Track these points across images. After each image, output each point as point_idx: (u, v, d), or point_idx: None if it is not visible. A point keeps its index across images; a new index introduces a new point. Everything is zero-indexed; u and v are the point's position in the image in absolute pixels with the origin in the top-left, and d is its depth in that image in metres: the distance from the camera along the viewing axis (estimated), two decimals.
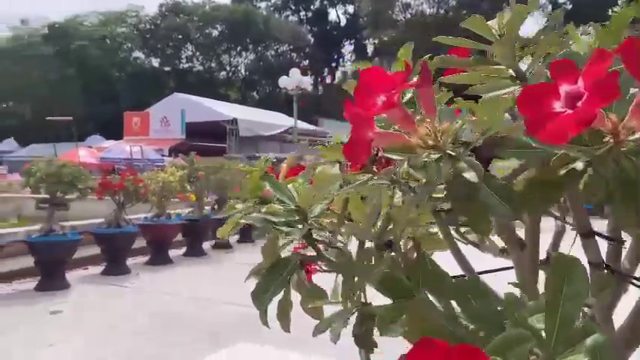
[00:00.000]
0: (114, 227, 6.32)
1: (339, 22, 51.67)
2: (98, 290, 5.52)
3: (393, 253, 0.62)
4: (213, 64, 44.27)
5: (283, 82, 16.42)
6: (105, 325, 4.32)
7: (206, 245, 8.15)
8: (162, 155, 18.58)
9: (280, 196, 0.68)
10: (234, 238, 9.08)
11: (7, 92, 44.87)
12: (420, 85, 0.49)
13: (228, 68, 45.35)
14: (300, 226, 0.65)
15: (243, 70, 46.79)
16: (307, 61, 47.66)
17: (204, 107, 21.02)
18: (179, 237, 7.73)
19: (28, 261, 5.75)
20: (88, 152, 17.34)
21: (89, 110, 37.86)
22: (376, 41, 47.36)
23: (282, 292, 0.71)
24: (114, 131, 33.67)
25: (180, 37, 41.50)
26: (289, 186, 0.70)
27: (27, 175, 5.37)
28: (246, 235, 9.34)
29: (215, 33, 42.77)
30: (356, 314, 0.54)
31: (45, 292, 5.34)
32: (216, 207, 8.63)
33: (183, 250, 7.91)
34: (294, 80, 16.02)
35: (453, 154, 0.45)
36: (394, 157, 0.50)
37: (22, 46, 42.85)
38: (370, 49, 52.25)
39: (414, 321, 0.45)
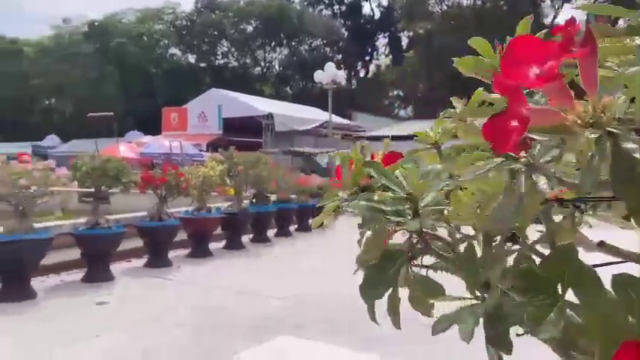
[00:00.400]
0: (156, 221, 6.41)
1: (373, 15, 51.18)
2: (142, 282, 5.61)
3: (518, 246, 0.56)
4: (247, 60, 44.59)
5: (318, 76, 16.37)
6: (149, 317, 4.38)
7: (244, 239, 8.21)
8: (200, 150, 18.85)
9: (387, 183, 0.63)
10: (271, 232, 9.13)
11: (49, 89, 46.38)
12: (586, 55, 0.42)
13: (262, 64, 45.61)
14: (409, 216, 0.60)
15: (277, 66, 46.95)
16: (340, 55, 47.48)
17: (240, 102, 21.20)
18: (218, 230, 7.80)
19: (75, 253, 5.89)
20: (128, 147, 17.72)
21: (127, 106, 38.70)
22: (411, 34, 46.71)
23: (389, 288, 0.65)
24: (151, 127, 34.32)
25: (215, 33, 41.93)
26: (397, 172, 0.65)
27: (74, 169, 5.49)
28: (284, 228, 9.40)
29: (249, 29, 43.05)
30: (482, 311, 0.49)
31: (91, 283, 5.46)
32: (254, 201, 8.67)
33: (223, 243, 7.99)
34: (329, 74, 15.96)
35: (618, 132, 0.40)
36: (541, 137, 0.44)
37: (64, 45, 44.19)
38: (405, 41, 51.67)
39: (594, 321, 0.39)
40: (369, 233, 0.69)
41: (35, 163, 4.76)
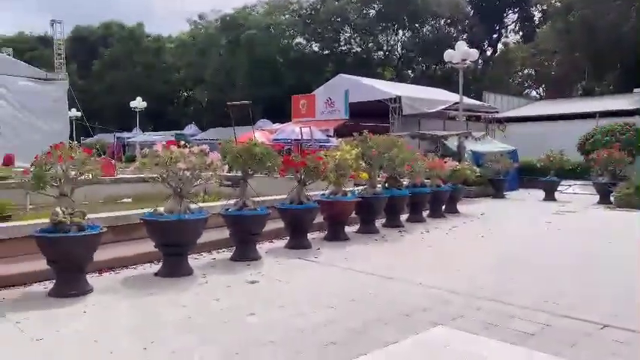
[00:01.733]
0: (297, 203, 6.56)
1: None
2: (287, 263, 5.76)
3: None
4: (370, 44, 44.35)
5: (448, 55, 15.67)
6: (299, 297, 4.46)
7: (377, 223, 8.13)
8: (328, 136, 19.15)
9: None
10: (404, 217, 8.96)
11: (187, 81, 50.24)
12: None
13: (385, 48, 45.10)
14: None
15: (399, 49, 46.16)
16: (466, 34, 45.32)
17: (366, 87, 21.10)
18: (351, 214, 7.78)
19: (223, 233, 6.22)
20: (261, 134, 18.51)
21: (256, 95, 40.50)
22: (545, 7, 43.18)
23: None
24: (277, 114, 35.70)
25: (338, 20, 42.21)
26: None
27: (223, 152, 5.76)
28: (417, 213, 9.17)
29: (372, 13, 42.70)
30: None
31: (240, 262, 5.73)
32: (386, 185, 8.54)
33: (356, 227, 8.00)
34: (461, 52, 15.21)
35: None
36: None
37: (200, 39, 47.44)
38: (538, 16, 47.94)
39: None
40: None
41: (191, 148, 5.06)
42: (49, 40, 42.34)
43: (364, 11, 42.58)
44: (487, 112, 21.69)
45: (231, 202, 6.06)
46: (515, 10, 48.49)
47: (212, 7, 59.31)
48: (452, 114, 19.45)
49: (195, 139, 32.85)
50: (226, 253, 6.17)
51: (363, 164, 7.29)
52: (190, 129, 41.66)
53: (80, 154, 4.48)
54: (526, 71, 48.96)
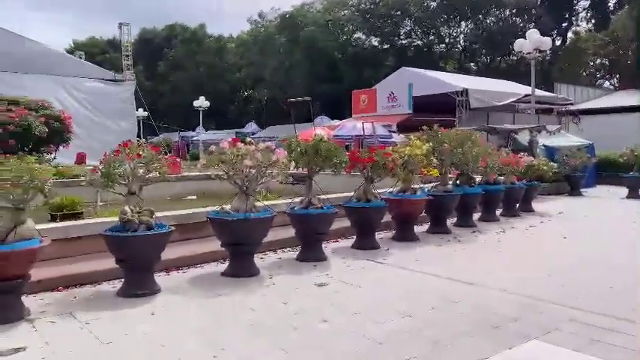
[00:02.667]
0: (364, 201, 6.27)
1: None
2: (355, 264, 5.49)
3: None
4: (431, 37, 43.30)
5: (519, 45, 14.81)
6: (370, 302, 4.18)
7: (447, 222, 7.71)
8: (390, 131, 18.69)
9: None
10: (476, 216, 8.48)
11: (248, 80, 50.97)
12: None
13: (447, 40, 43.88)
14: None
15: (462, 41, 44.77)
16: (532, 24, 43.28)
17: (431, 80, 20.42)
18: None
19: (288, 232, 6.03)
20: (322, 130, 18.30)
21: (314, 92, 40.51)
22: None
23: None
24: (336, 111, 35.51)
25: (399, 13, 41.46)
26: None
27: (288, 149, 5.56)
28: (490, 212, 8.66)
29: (433, 5, 41.63)
30: None
31: (306, 262, 5.51)
32: (457, 182, 8.08)
33: (425, 226, 7.61)
34: (533, 42, 14.32)
35: None
36: None
37: (260, 38, 47.99)
38: (612, 1, 45.13)
39: None
40: None
41: (257, 145, 4.89)
42: (117, 43, 44.28)
43: (425, 4, 41.57)
44: (561, 105, 20.46)
45: (297, 199, 5.86)
46: None
47: (271, 5, 59.62)
48: (521, 107, 18.47)
49: (256, 137, 33.23)
50: (291, 253, 5.99)
51: (435, 160, 6.89)
52: (251, 127, 42.24)
53: (148, 152, 4.40)
54: (598, 61, 46.18)
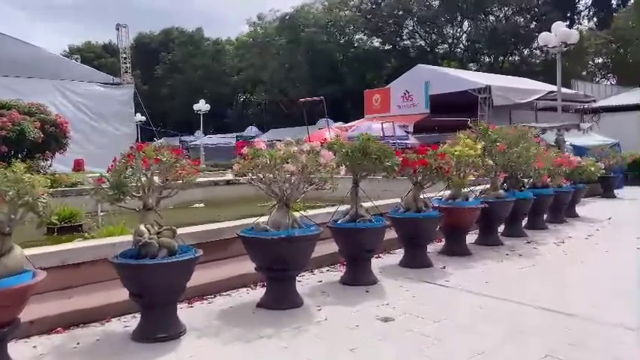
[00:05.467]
0: (414, 211, 5.35)
1: None
2: (414, 289, 4.55)
3: None
4: (434, 37, 42.47)
5: (544, 39, 13.91)
6: (461, 344, 3.27)
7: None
8: (407, 132, 17.75)
9: None
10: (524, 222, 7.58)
11: (247, 83, 50.02)
12: None
13: (450, 40, 43.06)
14: None
15: (464, 41, 43.96)
16: (534, 23, 42.53)
17: (450, 77, 19.41)
18: None
19: (326, 247, 5.12)
20: (335, 132, 17.37)
21: (315, 94, 39.64)
22: None
23: None
24: (338, 113, 34.58)
25: (401, 13, 40.62)
26: None
27: (330, 150, 4.64)
28: (538, 220, 7.77)
29: (436, 4, 40.81)
30: None
31: (354, 286, 4.59)
32: (506, 186, 7.17)
33: (473, 237, 6.70)
34: (560, 35, 13.44)
35: None
36: None
37: (259, 40, 47.07)
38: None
39: None
40: None
41: (301, 144, 3.98)
42: (113, 48, 43.24)
43: (427, 2, 40.75)
44: (583, 102, 19.58)
45: (342, 208, 4.93)
46: None
47: (270, 7, 58.59)
48: (540, 104, 17.57)
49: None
50: (333, 274, 5.07)
51: (491, 162, 5.99)
52: (251, 130, 41.25)
53: (168, 156, 3.47)
54: (599, 60, 45.42)
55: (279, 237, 3.84)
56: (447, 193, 6.10)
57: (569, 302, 4.08)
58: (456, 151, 5.70)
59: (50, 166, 11.74)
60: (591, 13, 47.03)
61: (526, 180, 7.62)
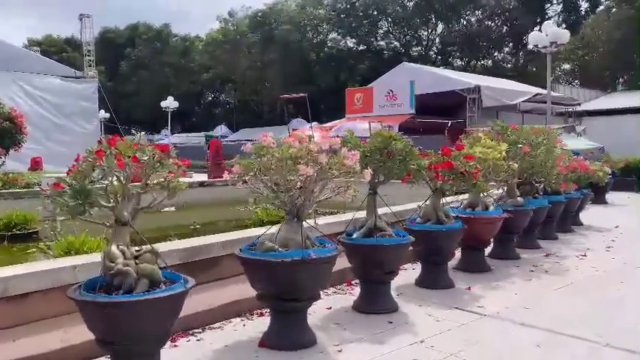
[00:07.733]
0: (434, 222, 4.59)
1: None
2: (444, 318, 3.76)
3: None
4: (408, 38, 42.16)
5: (534, 38, 13.47)
6: None
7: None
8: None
9: None
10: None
11: (216, 81, 48.64)
12: None
13: (424, 43, 42.83)
14: None
15: (438, 43, 43.85)
16: (505, 28, 42.87)
17: (436, 76, 18.80)
18: None
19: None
20: (318, 131, 16.51)
21: (288, 93, 38.77)
22: None
23: None
24: (312, 112, 33.74)
25: (375, 13, 40.13)
26: None
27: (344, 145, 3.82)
28: (549, 230, 7.14)
29: (410, 5, 40.48)
30: None
31: (373, 314, 3.79)
32: (520, 193, 6.49)
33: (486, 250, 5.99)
34: (551, 34, 13.00)
35: None
36: None
37: (230, 37, 45.79)
38: (585, 5, 45.21)
39: None
40: None
41: (318, 142, 3.16)
42: (76, 42, 41.18)
43: (402, 2, 40.37)
44: (568, 105, 19.31)
45: (360, 215, 4.10)
46: (560, 0, 45.88)
47: (242, 4, 57.02)
48: (525, 107, 17.15)
49: (228, 140, 31.14)
50: (341, 296, 4.27)
51: (515, 166, 5.27)
52: (221, 130, 40.05)
53: (150, 154, 2.59)
54: (566, 66, 46.03)
55: (292, 259, 2.99)
56: (457, 201, 5.37)
57: (620, 330, 3.37)
58: (481, 152, 4.96)
59: (3, 164, 10.62)
60: (560, 19, 47.70)
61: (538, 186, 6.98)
